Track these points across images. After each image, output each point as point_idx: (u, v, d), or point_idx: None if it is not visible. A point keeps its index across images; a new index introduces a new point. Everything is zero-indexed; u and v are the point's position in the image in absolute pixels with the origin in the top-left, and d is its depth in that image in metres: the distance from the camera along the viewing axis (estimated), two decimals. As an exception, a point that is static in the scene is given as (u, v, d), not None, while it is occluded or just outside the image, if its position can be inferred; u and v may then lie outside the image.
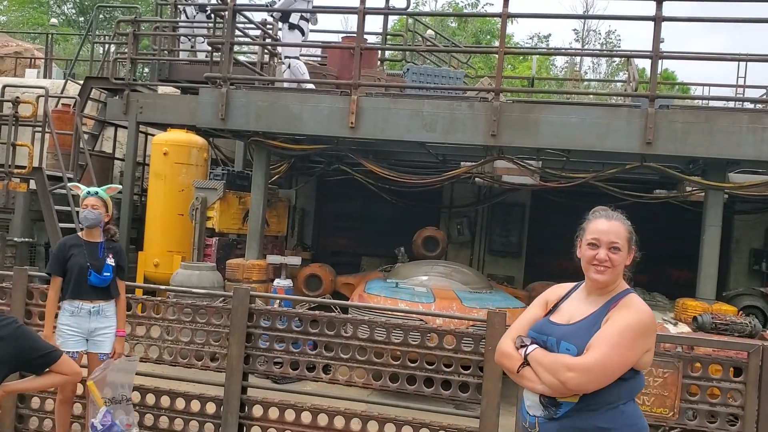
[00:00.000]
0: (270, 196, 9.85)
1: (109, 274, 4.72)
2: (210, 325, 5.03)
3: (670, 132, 7.34)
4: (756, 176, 8.76)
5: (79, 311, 4.65)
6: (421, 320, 6.49)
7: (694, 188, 8.97)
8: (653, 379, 4.37)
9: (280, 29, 9.81)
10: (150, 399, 5.10)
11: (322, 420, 4.88)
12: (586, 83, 22.56)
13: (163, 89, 12.25)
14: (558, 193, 10.19)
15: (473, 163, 9.34)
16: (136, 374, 5.13)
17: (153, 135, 11.29)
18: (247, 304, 4.89)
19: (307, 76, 9.29)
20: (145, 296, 5.34)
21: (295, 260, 9.20)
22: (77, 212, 9.02)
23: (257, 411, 4.99)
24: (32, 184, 9.62)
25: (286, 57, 9.42)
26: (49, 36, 16.85)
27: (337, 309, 6.86)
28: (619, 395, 2.47)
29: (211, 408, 5.05)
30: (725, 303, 8.17)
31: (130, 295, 5.20)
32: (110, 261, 4.75)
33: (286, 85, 9.23)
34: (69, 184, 5.10)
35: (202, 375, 5.17)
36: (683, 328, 7.12)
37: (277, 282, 8.71)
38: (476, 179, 10.92)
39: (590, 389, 2.43)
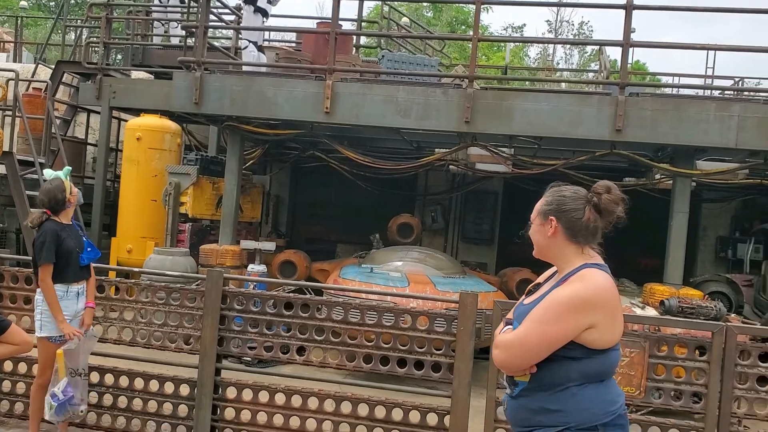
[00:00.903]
0: (244, 182, 9.85)
1: (91, 249, 4.71)
2: (183, 308, 5.04)
3: (640, 119, 7.47)
4: (722, 164, 8.95)
5: (67, 294, 4.61)
6: (395, 303, 6.55)
7: (662, 175, 9.13)
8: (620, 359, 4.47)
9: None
10: (123, 381, 5.10)
11: (296, 401, 4.91)
12: (558, 73, 22.76)
13: (136, 74, 12.13)
14: (529, 181, 10.31)
15: (447, 150, 9.42)
16: (110, 356, 5.15)
17: (126, 120, 11.19)
18: (220, 286, 4.91)
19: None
20: (118, 278, 5.34)
21: (269, 246, 9.21)
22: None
23: (231, 393, 5.02)
24: (2, 169, 9.49)
25: (245, 39, 9.42)
26: (19, 19, 16.57)
27: (311, 292, 6.91)
28: (568, 377, 2.35)
29: (185, 390, 5.06)
30: (692, 288, 8.36)
31: (103, 278, 5.20)
32: (85, 238, 4.74)
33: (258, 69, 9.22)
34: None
35: (176, 357, 5.19)
36: (651, 312, 7.27)
37: (251, 267, 8.72)
38: (450, 167, 11.00)
39: (515, 366, 2.40)
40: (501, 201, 13.27)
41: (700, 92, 12.33)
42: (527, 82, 19.58)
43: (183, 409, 5.05)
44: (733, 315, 8.52)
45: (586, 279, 2.39)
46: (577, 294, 2.36)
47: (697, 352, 4.51)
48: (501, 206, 13.29)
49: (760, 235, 11.04)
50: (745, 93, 11.66)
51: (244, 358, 6.09)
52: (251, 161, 10.53)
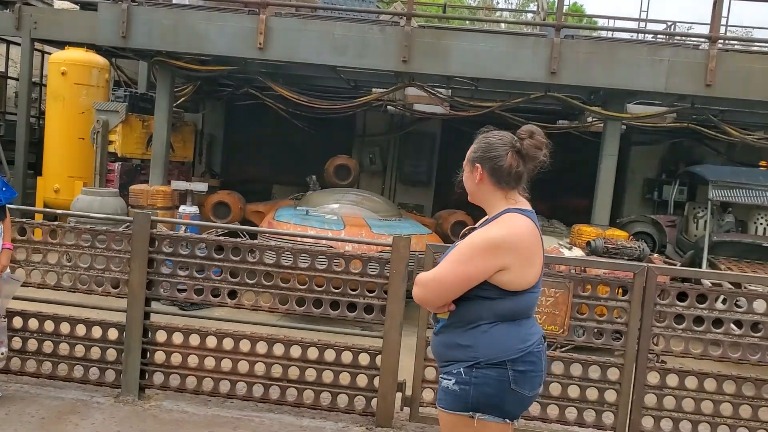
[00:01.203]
0: (175, 120, 9.57)
1: (6, 189, 4.52)
2: (110, 251, 4.92)
3: (574, 62, 7.53)
4: (651, 107, 9.15)
5: None
6: (330, 246, 6.55)
7: (594, 118, 9.28)
8: (545, 299, 4.60)
9: None
10: (49, 326, 4.97)
11: (228, 344, 4.89)
12: (498, 13, 22.65)
13: (60, 4, 11.51)
14: (466, 123, 10.35)
15: (385, 90, 9.33)
16: (33, 301, 5.00)
17: (50, 54, 10.67)
18: (148, 228, 4.79)
19: None
20: (42, 221, 5.15)
21: (202, 186, 9.04)
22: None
23: (161, 336, 4.96)
24: None
25: None
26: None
27: (244, 235, 6.82)
28: (481, 315, 2.45)
29: (113, 334, 4.97)
30: (618, 229, 8.63)
31: (26, 220, 5.01)
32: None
33: (190, 2, 8.87)
34: None
35: (104, 301, 5.08)
36: (578, 253, 7.48)
37: (182, 209, 8.54)
38: (388, 107, 10.93)
39: (433, 302, 2.50)
40: (439, 143, 13.30)
41: (634, 36, 12.46)
42: (467, 22, 19.44)
43: (111, 353, 4.97)
44: (656, 255, 8.85)
45: (501, 223, 2.46)
46: (489, 237, 2.44)
47: (619, 291, 4.68)
48: (439, 148, 13.33)
49: (685, 177, 11.41)
50: (677, 38, 11.84)
51: (177, 302, 6.01)
52: (183, 98, 10.21)
